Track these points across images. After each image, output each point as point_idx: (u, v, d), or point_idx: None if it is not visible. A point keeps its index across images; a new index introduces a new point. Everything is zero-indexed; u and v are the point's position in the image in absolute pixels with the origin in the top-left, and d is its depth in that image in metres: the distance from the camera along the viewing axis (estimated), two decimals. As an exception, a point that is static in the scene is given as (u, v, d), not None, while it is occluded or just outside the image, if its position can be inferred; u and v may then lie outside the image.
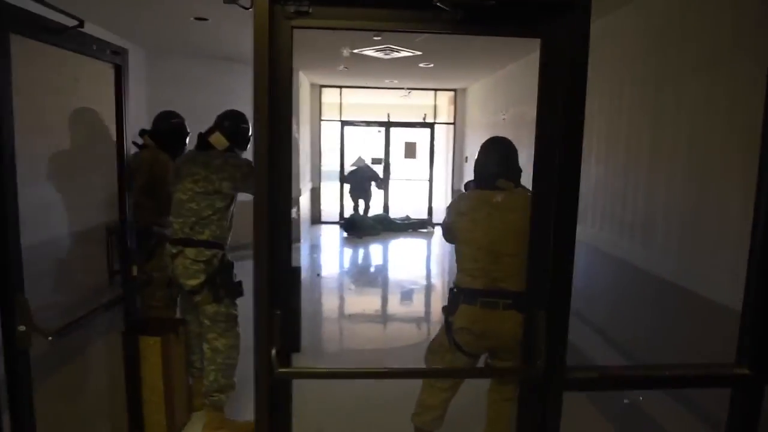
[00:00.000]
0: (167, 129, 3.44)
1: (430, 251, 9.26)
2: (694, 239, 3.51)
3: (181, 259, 2.89)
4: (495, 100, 8.45)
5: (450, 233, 2.73)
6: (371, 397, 3.11)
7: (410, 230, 10.33)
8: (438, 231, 9.66)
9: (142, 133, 3.31)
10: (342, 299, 6.33)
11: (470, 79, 9.73)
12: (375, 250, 9.20)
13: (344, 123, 10.93)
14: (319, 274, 7.15)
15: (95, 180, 2.71)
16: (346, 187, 10.81)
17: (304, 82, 9.53)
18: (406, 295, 6.61)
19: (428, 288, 6.99)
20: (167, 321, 3.17)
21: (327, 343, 4.95)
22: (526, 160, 6.67)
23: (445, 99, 11.86)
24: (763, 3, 2.74)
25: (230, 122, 3.07)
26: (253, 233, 1.71)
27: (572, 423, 1.95)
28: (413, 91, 10.91)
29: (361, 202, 10.68)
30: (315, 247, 9.14)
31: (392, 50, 6.61)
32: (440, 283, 7.15)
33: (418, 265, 8.54)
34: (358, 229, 9.86)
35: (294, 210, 8.82)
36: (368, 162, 11.19)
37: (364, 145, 11.96)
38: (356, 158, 11.26)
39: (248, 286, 6.28)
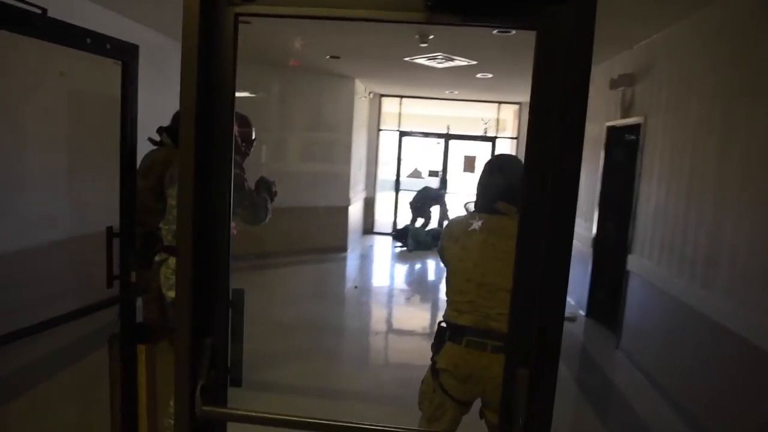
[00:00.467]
0: None
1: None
2: (764, 285, 2.96)
3: (164, 269, 2.72)
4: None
5: (442, 260, 2.39)
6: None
7: None
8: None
9: (160, 131, 3.10)
10: (371, 313, 6.05)
11: (535, 92, 9.21)
12: (422, 265, 8.86)
13: (402, 133, 10.70)
14: (356, 287, 6.92)
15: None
16: (407, 199, 10.51)
17: (360, 90, 9.40)
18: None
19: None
20: (162, 329, 3.02)
21: (342, 358, 4.69)
22: (585, 179, 6.13)
23: (510, 112, 11.38)
24: None
25: (242, 131, 2.89)
26: (178, 250, 1.48)
27: None
28: (475, 104, 10.53)
29: (420, 219, 10.35)
30: (362, 258, 8.93)
31: (445, 58, 6.31)
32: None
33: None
34: (409, 241, 9.56)
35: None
36: (425, 174, 10.89)
37: (422, 157, 11.68)
38: (413, 170, 10.99)
39: (276, 294, 6.07)
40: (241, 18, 1.48)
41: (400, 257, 9.17)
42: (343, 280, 7.52)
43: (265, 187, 3.02)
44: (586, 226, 6.28)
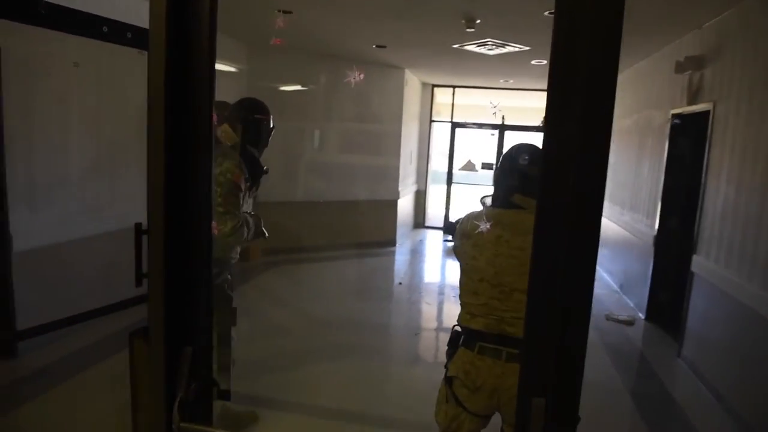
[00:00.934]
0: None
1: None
2: None
3: None
4: (620, 104, 7.43)
5: (458, 260, 2.20)
6: None
7: None
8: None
9: None
10: (416, 311, 5.85)
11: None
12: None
13: (455, 125, 10.39)
14: (400, 283, 6.74)
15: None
16: (459, 193, 10.20)
17: (411, 80, 9.17)
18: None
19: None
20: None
21: (382, 357, 4.53)
22: (647, 172, 5.69)
23: (569, 102, 10.82)
24: None
25: (241, 113, 2.75)
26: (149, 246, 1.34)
27: None
28: (533, 93, 10.07)
29: None
30: (411, 252, 8.74)
31: (495, 45, 5.99)
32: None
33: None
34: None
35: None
36: (478, 167, 10.54)
37: (476, 149, 11.31)
38: (466, 162, 10.67)
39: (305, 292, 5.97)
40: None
41: (450, 252, 8.91)
42: (390, 275, 7.35)
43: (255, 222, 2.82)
44: (647, 222, 5.83)
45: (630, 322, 5.48)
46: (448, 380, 2.10)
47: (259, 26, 6.09)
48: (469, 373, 2.02)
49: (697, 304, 4.41)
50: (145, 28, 1.13)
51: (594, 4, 1.10)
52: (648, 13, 4.37)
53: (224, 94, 5.65)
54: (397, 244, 8.73)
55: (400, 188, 8.83)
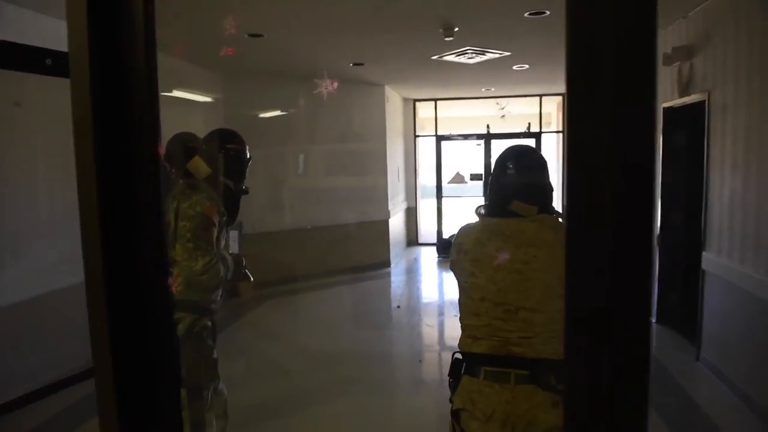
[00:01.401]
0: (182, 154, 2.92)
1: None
2: None
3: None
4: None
5: (456, 277, 1.97)
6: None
7: None
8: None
9: None
10: (418, 336, 5.58)
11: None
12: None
13: (440, 138, 10.23)
14: (398, 306, 6.48)
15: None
16: (450, 207, 10.01)
17: (392, 96, 9.01)
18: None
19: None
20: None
21: (389, 391, 4.26)
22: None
23: (553, 105, 10.74)
24: None
25: (214, 144, 2.52)
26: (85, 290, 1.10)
27: None
28: (515, 99, 9.96)
29: None
30: (407, 272, 8.50)
31: (475, 53, 5.84)
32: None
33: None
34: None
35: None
36: (468, 179, 10.38)
37: (463, 161, 11.17)
38: (454, 174, 10.50)
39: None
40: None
41: (446, 268, 8.67)
42: (387, 298, 7.10)
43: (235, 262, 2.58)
44: (648, 221, 5.64)
45: (641, 327, 5.24)
46: (455, 414, 1.87)
47: (234, 54, 5.90)
48: (477, 402, 1.80)
49: (712, 304, 4.20)
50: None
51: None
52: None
53: (201, 125, 5.42)
54: (391, 265, 8.49)
55: (390, 207, 8.61)
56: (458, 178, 10.51)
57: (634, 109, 0.89)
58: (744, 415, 3.55)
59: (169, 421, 1.15)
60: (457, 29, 4.73)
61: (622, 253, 0.93)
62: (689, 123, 4.74)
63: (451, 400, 1.89)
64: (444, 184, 10.41)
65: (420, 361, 4.81)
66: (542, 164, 1.93)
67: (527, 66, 6.80)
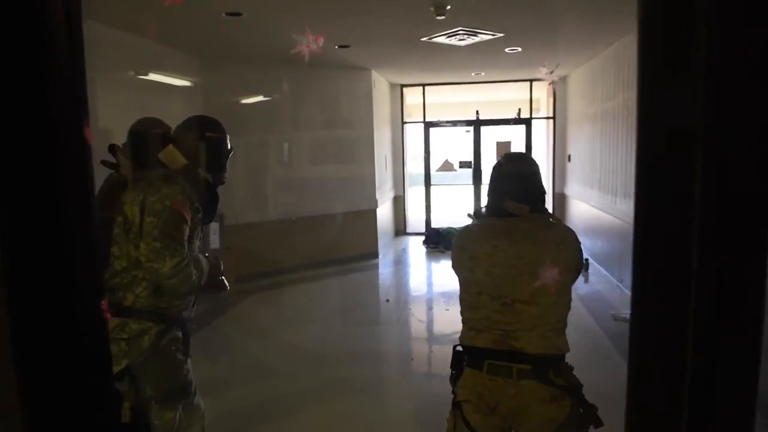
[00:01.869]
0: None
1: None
2: None
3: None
4: (603, 85, 7.07)
5: (455, 273, 2.12)
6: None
7: None
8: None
9: (113, 149, 2.23)
10: (402, 333, 5.32)
11: (570, 64, 8.36)
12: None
13: (428, 124, 9.96)
14: (387, 300, 6.24)
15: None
16: (439, 195, 9.77)
17: (379, 81, 8.71)
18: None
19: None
20: None
21: (380, 393, 4.03)
22: (623, 155, 5.28)
23: (543, 90, 10.50)
24: None
25: (190, 132, 2.21)
26: None
27: None
28: (505, 84, 9.71)
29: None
30: (395, 264, 8.25)
31: (467, 34, 5.56)
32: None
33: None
34: (442, 241, 8.86)
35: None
36: (456, 167, 10.12)
37: (452, 148, 10.91)
38: (443, 162, 10.25)
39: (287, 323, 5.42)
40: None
41: (435, 258, 8.45)
42: (376, 291, 6.85)
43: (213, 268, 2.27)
44: (628, 203, 5.45)
45: (641, 320, 5.06)
46: (457, 405, 1.95)
47: (209, 36, 5.56)
48: (483, 395, 1.90)
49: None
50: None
51: None
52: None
53: (178, 111, 5.07)
54: (379, 256, 8.24)
55: (377, 196, 8.34)
56: (447, 166, 10.25)
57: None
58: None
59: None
60: (449, 7, 4.45)
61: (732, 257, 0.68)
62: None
63: (453, 392, 1.99)
64: (432, 171, 10.15)
65: (412, 359, 4.57)
66: (535, 169, 2.10)
67: (520, 49, 6.53)
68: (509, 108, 10.07)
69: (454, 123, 10.28)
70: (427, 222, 10.08)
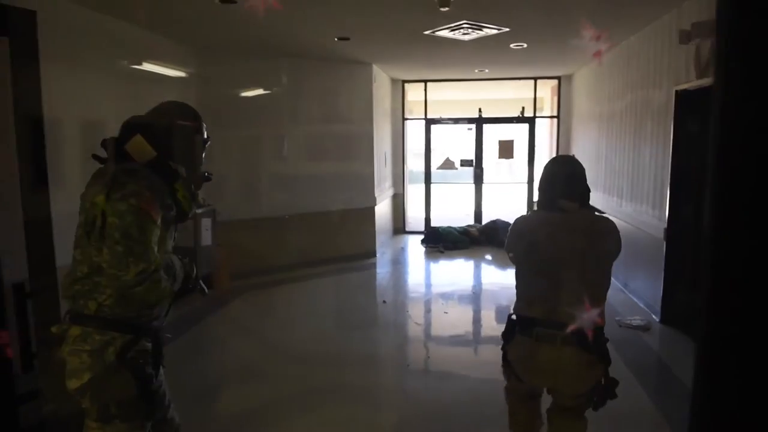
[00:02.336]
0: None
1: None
2: None
3: (64, 345, 1.85)
4: (610, 85, 6.87)
5: (511, 256, 2.57)
6: None
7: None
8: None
9: (106, 144, 2.00)
10: (399, 338, 5.12)
11: (576, 63, 8.16)
12: (457, 267, 7.92)
13: (429, 121, 9.76)
14: (384, 301, 6.05)
15: None
16: (439, 194, 9.57)
17: (380, 76, 8.51)
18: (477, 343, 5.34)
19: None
20: None
21: (373, 403, 3.85)
22: (648, 158, 5.12)
23: (547, 89, 10.31)
24: None
25: (161, 120, 2.01)
26: None
27: None
28: (509, 82, 9.51)
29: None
30: (393, 263, 8.06)
31: (471, 27, 5.36)
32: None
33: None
34: (441, 241, 8.68)
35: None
36: (458, 165, 9.93)
37: (454, 146, 10.72)
38: (444, 160, 10.05)
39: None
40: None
41: (434, 258, 8.26)
42: (372, 292, 6.65)
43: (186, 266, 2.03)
44: (653, 213, 5.26)
45: (646, 327, 4.89)
46: (507, 362, 2.45)
47: (205, 25, 5.36)
48: (530, 357, 2.32)
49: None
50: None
51: None
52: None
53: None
54: (377, 255, 8.05)
55: (376, 194, 8.15)
56: (448, 164, 10.04)
57: None
58: None
59: None
60: (453, -1, 4.25)
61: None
62: (707, 108, 4.33)
63: (504, 349, 2.46)
64: (433, 169, 9.96)
65: (408, 365, 4.40)
66: (582, 170, 2.43)
67: (525, 45, 6.34)
68: (512, 106, 9.88)
69: (456, 120, 10.09)
70: (427, 221, 9.90)
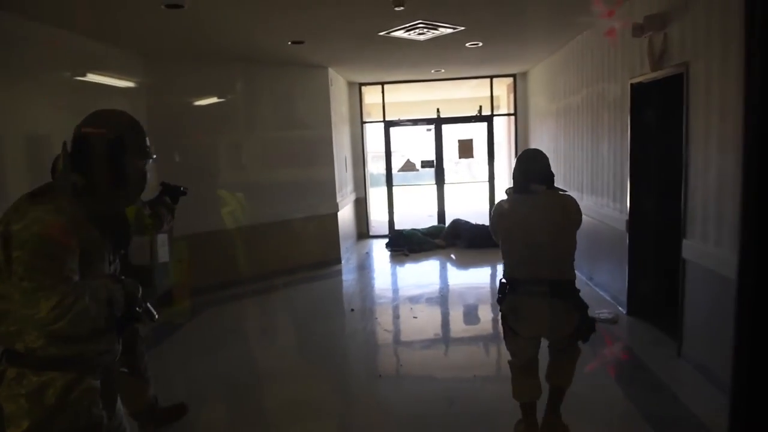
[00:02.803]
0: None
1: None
2: None
3: (1, 388, 1.65)
4: (566, 81, 6.94)
5: (495, 234, 3.09)
6: None
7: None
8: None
9: (60, 160, 1.79)
10: (368, 346, 4.99)
11: (531, 60, 8.23)
12: (423, 270, 7.84)
13: (388, 123, 9.69)
14: (352, 309, 5.92)
15: None
16: (401, 196, 9.46)
17: (337, 80, 8.39)
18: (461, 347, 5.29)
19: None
20: None
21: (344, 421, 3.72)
22: (607, 151, 5.16)
23: (503, 87, 10.39)
24: None
25: (84, 133, 1.73)
26: None
27: None
28: (465, 81, 9.53)
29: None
30: (359, 269, 7.93)
31: (427, 27, 5.31)
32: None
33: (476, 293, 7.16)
34: (406, 244, 8.59)
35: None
36: (419, 166, 9.89)
37: (414, 147, 10.68)
38: (405, 162, 10.00)
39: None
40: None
41: (399, 262, 8.17)
42: (339, 300, 6.52)
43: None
44: (614, 206, 5.31)
45: (614, 321, 4.91)
46: (504, 318, 2.98)
47: (152, 32, 5.13)
48: (520, 309, 2.88)
49: (696, 296, 3.86)
50: None
51: None
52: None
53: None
54: (342, 261, 7.92)
55: (338, 199, 8.02)
56: (409, 166, 10.01)
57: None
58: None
59: None
60: (408, -3, 4.18)
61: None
62: (662, 99, 4.38)
63: (500, 309, 2.99)
64: (394, 172, 9.90)
65: (379, 376, 4.28)
66: (546, 160, 3.02)
67: (480, 43, 6.33)
68: (470, 105, 9.90)
69: (415, 122, 10.05)
70: (390, 224, 9.82)
